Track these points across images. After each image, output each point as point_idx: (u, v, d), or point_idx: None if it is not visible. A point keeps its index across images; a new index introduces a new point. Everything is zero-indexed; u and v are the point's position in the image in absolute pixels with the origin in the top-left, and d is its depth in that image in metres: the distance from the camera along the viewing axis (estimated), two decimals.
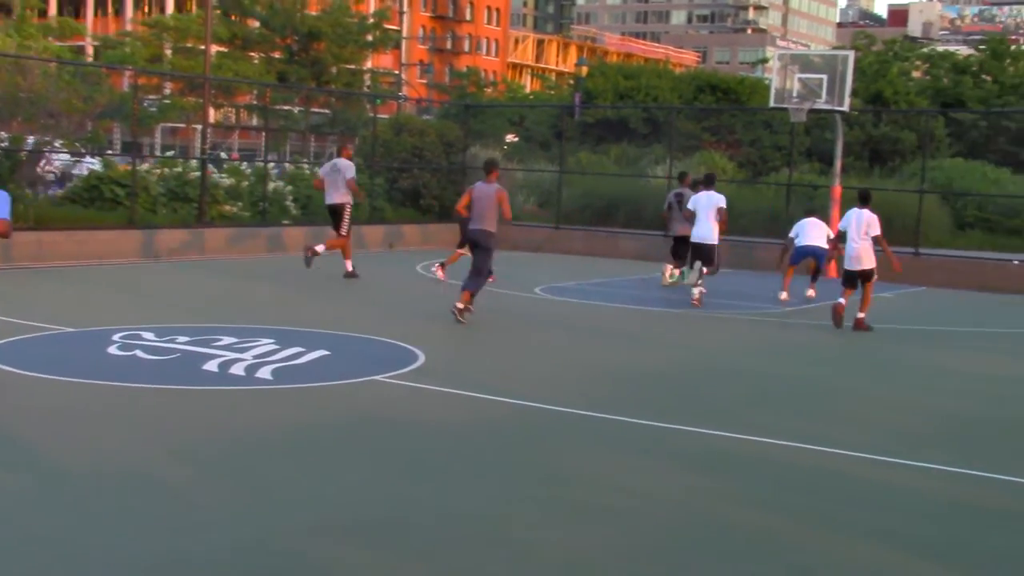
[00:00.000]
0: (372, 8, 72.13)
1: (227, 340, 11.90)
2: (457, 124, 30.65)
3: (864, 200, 15.50)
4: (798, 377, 11.89)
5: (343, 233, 18.83)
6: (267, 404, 9.36)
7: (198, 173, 22.91)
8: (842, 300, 15.36)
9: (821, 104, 21.72)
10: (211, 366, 10.57)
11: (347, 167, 18.92)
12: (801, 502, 7.26)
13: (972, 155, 38.45)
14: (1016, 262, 22.38)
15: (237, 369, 10.47)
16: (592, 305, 17.03)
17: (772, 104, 22.97)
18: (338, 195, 18.89)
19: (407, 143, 27.43)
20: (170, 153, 42.38)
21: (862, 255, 15.23)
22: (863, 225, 15.14)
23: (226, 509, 6.55)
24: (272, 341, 11.98)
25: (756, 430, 9.09)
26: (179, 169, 23.68)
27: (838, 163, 22.85)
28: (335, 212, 18.98)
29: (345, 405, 9.48)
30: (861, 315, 15.33)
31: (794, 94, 22.04)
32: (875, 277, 15.54)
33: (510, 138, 44.08)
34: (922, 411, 10.40)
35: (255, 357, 11.04)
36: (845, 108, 21.90)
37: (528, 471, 7.66)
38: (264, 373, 10.36)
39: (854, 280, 15.44)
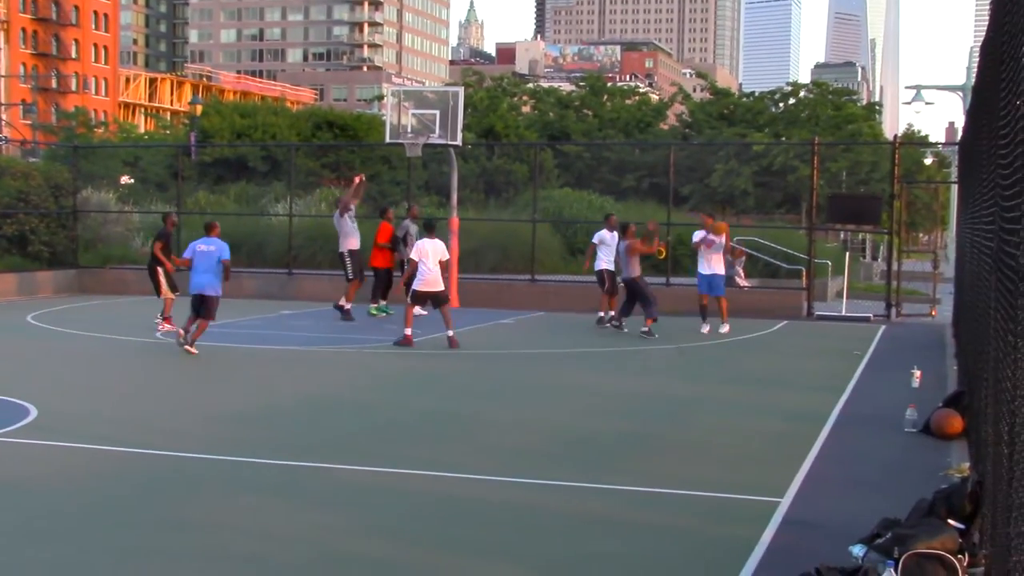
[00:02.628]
0: None
1: None
2: (66, 166, 29.30)
3: (431, 229, 17.43)
4: (423, 406, 12.11)
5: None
6: None
7: None
8: (409, 331, 16.75)
9: (435, 139, 22.31)
10: None
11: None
12: (430, 529, 7.41)
13: (579, 185, 40.68)
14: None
15: None
16: (216, 347, 16.70)
17: (388, 140, 23.36)
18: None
19: (11, 187, 25.93)
20: None
21: (440, 279, 16.91)
22: (439, 253, 16.95)
23: None
24: None
25: (385, 461, 9.19)
26: None
27: (454, 196, 23.51)
28: None
29: None
30: (451, 333, 16.75)
31: (409, 130, 22.52)
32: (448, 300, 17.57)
33: (125, 180, 42.53)
34: (544, 430, 10.84)
35: None
36: (458, 142, 22.59)
37: (156, 521, 7.41)
38: None
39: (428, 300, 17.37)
